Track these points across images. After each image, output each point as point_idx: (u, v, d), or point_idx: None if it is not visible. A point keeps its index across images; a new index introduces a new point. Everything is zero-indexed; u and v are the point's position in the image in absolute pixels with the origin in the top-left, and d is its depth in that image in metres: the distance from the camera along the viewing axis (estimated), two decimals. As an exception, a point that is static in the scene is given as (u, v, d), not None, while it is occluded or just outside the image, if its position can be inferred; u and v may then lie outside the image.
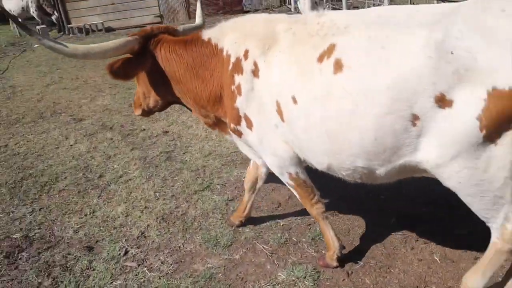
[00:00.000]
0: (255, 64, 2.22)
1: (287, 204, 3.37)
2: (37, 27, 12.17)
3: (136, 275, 2.74)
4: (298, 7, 9.79)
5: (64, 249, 3.05)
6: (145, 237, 3.13)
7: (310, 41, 2.07)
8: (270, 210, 3.33)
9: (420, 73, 1.71)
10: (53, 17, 13.88)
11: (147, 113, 3.02)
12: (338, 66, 1.91)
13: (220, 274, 2.68)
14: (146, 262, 2.87)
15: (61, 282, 2.72)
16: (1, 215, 3.53)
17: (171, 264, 2.81)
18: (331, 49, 1.96)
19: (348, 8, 10.61)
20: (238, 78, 2.28)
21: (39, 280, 2.75)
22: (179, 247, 2.99)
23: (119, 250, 3.00)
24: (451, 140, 1.76)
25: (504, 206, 1.86)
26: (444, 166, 1.85)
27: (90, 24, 13.39)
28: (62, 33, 13.82)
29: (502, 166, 1.74)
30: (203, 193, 3.63)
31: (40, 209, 3.58)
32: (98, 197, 3.72)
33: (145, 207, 3.50)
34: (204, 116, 2.72)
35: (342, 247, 2.63)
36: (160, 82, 2.63)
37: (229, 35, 2.39)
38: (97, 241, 3.12)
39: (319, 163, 2.24)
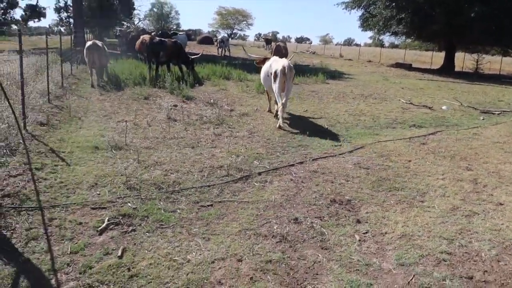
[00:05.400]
0: (270, 67, 9.86)
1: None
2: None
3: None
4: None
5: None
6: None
7: (270, 63, 10.04)
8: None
9: (269, 67, 9.85)
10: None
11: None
12: (266, 65, 10.25)
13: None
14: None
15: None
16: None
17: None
18: (269, 63, 10.04)
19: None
20: (266, 70, 10.23)
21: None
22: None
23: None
24: (270, 78, 9.69)
25: (278, 98, 9.18)
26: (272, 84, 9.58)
27: None
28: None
29: (275, 87, 9.26)
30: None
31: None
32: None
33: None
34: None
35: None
36: (264, 71, 10.44)
37: (270, 59, 10.38)
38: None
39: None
